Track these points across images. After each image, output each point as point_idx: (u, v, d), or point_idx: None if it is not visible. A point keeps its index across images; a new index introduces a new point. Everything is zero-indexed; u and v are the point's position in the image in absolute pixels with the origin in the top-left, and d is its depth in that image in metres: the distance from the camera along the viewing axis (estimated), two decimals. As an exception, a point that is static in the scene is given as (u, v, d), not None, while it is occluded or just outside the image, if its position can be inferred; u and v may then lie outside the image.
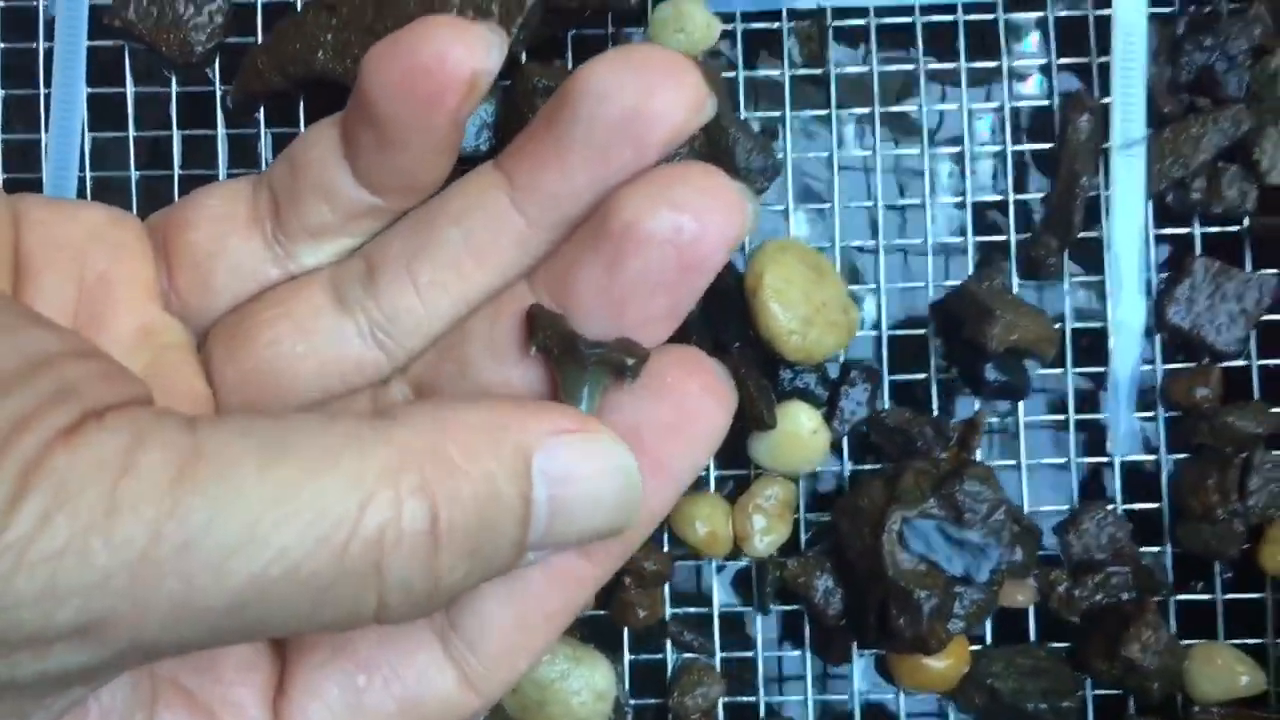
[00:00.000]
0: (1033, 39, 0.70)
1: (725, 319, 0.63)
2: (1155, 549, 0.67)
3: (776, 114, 0.69)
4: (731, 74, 0.68)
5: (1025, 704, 0.64)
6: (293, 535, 0.25)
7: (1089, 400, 0.68)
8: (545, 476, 0.28)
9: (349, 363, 0.34)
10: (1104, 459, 0.67)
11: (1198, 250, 0.67)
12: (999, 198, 0.68)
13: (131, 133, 0.68)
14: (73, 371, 0.25)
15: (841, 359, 0.67)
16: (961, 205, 0.69)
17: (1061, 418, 0.68)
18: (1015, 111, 0.69)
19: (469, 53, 0.30)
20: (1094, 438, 0.67)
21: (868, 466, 0.67)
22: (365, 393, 0.34)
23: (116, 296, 0.34)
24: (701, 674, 0.66)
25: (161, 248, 0.35)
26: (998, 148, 0.69)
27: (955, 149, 0.69)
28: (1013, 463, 0.67)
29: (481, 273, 0.33)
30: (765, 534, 0.65)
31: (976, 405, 0.67)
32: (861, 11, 0.69)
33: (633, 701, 0.67)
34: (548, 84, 0.62)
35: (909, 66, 0.69)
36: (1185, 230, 0.68)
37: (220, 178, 0.68)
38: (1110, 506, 0.66)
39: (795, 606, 0.67)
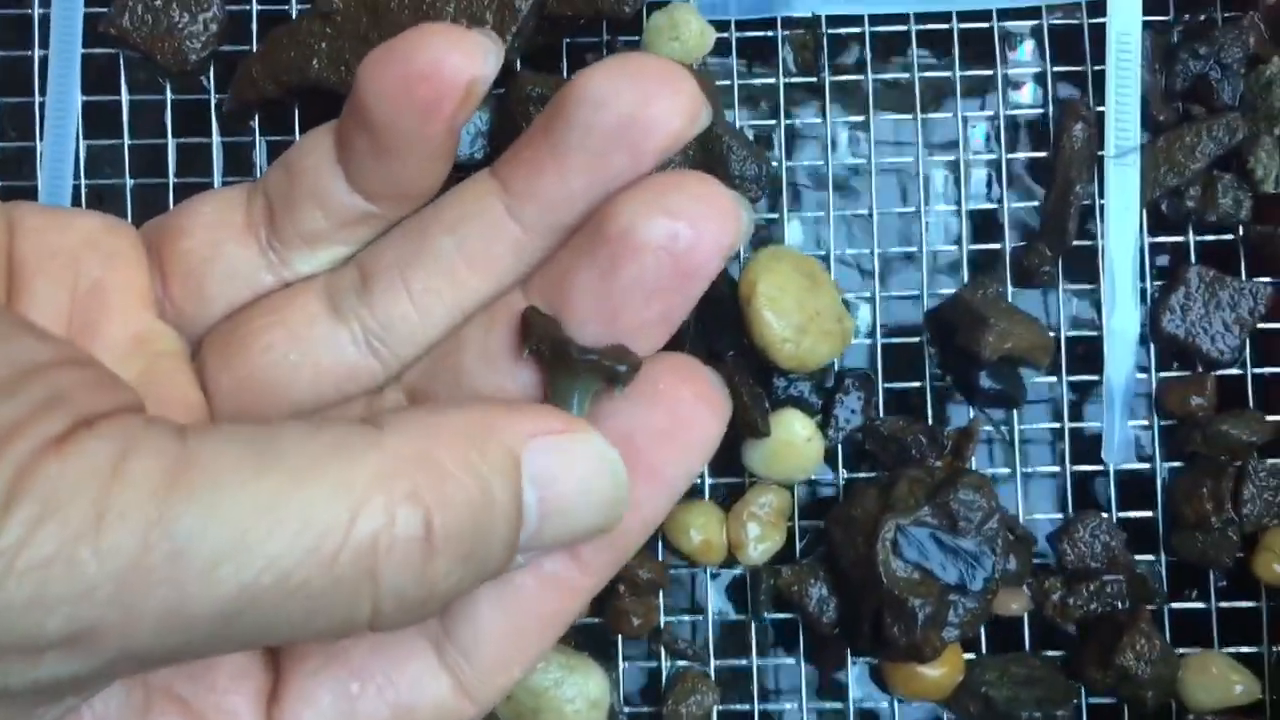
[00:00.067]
0: (1028, 47, 0.70)
1: (719, 327, 0.63)
2: (1150, 557, 0.67)
3: (771, 122, 0.69)
4: (726, 82, 0.68)
5: (1019, 712, 0.64)
6: (282, 544, 0.25)
7: (1083, 409, 0.68)
8: (534, 478, 0.29)
9: (343, 370, 0.34)
10: (1098, 467, 0.67)
11: (1192, 258, 0.67)
12: (994, 206, 0.68)
13: (126, 140, 0.68)
14: (64, 379, 0.25)
15: (836, 367, 0.67)
16: (956, 213, 0.69)
17: (1056, 426, 0.68)
18: (1010, 120, 0.69)
19: (465, 60, 0.30)
20: (1088, 446, 0.67)
21: (862, 475, 0.67)
22: (360, 400, 0.34)
23: (110, 304, 0.34)
24: (696, 682, 0.66)
25: (156, 255, 0.35)
26: (992, 156, 0.69)
27: (950, 157, 0.69)
28: (1007, 471, 0.67)
29: (476, 280, 0.33)
30: (760, 542, 0.65)
31: (971, 413, 0.67)
32: (856, 20, 0.69)
33: (627, 709, 0.67)
34: (542, 92, 0.62)
35: (904, 74, 0.69)
36: (1180, 238, 0.68)
37: (215, 185, 0.67)
38: (1104, 515, 0.66)
39: (790, 615, 0.67)
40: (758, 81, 0.69)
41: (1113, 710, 0.66)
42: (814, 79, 0.69)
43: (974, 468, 0.65)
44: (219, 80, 0.68)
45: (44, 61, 0.67)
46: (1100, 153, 0.66)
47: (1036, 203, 0.68)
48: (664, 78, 0.31)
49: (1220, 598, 0.66)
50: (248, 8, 0.68)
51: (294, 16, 0.67)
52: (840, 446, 0.66)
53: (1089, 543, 0.65)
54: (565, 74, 0.67)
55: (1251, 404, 0.66)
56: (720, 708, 0.67)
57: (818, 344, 0.61)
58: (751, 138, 0.67)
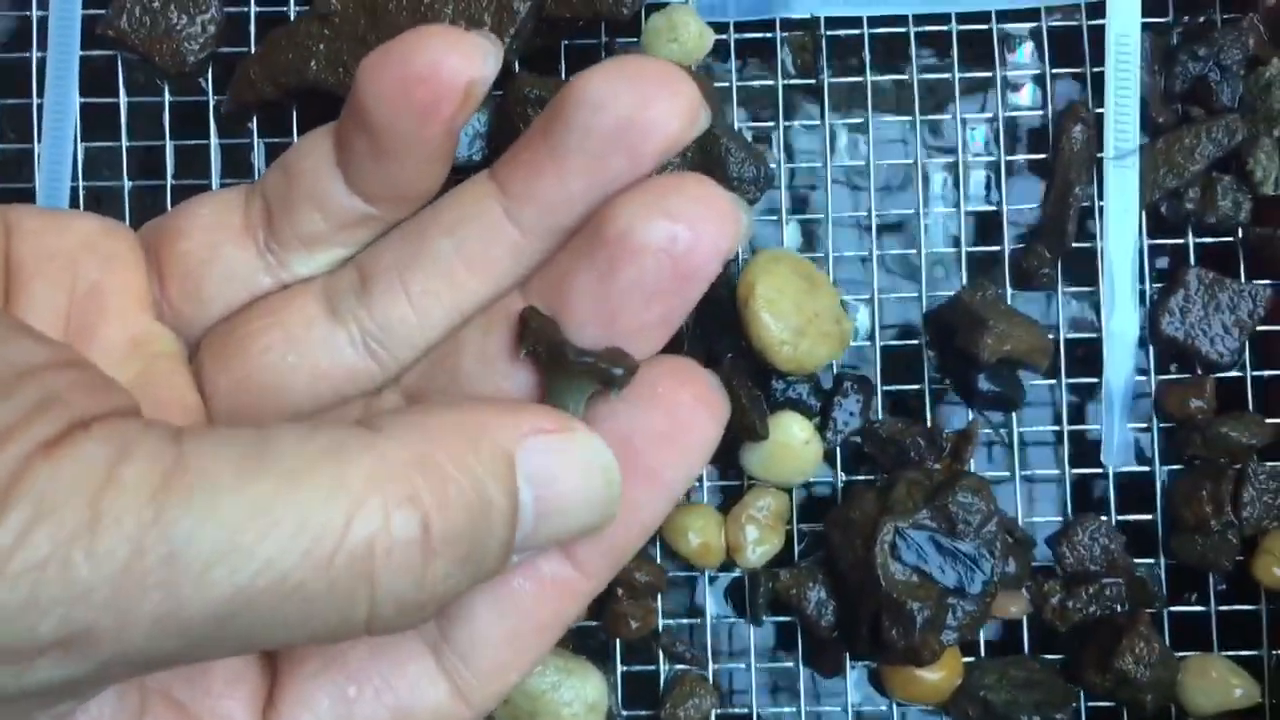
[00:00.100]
0: (1027, 49, 0.70)
1: (718, 329, 0.63)
2: (1149, 560, 0.67)
3: (770, 124, 0.69)
4: (725, 84, 0.68)
5: (1018, 716, 0.64)
6: (278, 546, 0.25)
7: (1083, 411, 0.68)
8: (530, 477, 0.29)
9: (341, 373, 0.34)
10: (1098, 470, 0.67)
11: (1192, 261, 0.67)
12: (993, 208, 0.68)
13: (124, 142, 0.68)
14: (58, 382, 0.25)
15: (834, 369, 0.66)
16: (955, 215, 0.69)
17: (1055, 429, 0.67)
18: (1009, 121, 0.69)
19: (464, 61, 0.30)
20: (1088, 449, 0.67)
21: (861, 477, 0.67)
22: (357, 403, 0.34)
23: (108, 306, 0.34)
24: (694, 685, 0.66)
25: (154, 257, 0.35)
26: (991, 157, 0.69)
27: (949, 159, 0.69)
28: (1006, 474, 0.67)
29: (475, 282, 0.33)
30: (758, 545, 0.65)
31: (970, 416, 0.67)
32: (855, 21, 0.69)
33: (624, 713, 0.67)
34: (541, 94, 0.62)
35: (903, 76, 0.69)
36: (1179, 241, 0.68)
37: (213, 187, 0.67)
38: (1104, 518, 0.66)
39: (788, 618, 0.66)
40: (756, 83, 0.69)
41: (1112, 714, 0.66)
42: (813, 81, 0.69)
43: (973, 470, 0.65)
44: (217, 82, 0.68)
45: (42, 63, 0.67)
46: (1099, 154, 0.66)
47: (1036, 204, 0.68)
48: (662, 80, 0.31)
49: (1220, 601, 0.66)
50: (246, 9, 0.68)
51: (292, 18, 0.67)
52: (839, 449, 0.66)
53: (1088, 545, 0.65)
54: (564, 76, 0.67)
55: (1251, 406, 0.66)
56: (718, 711, 0.67)
57: (816, 346, 0.61)
58: (750, 139, 0.67)
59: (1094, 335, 0.67)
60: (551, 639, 0.33)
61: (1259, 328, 0.66)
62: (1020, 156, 0.69)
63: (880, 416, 0.66)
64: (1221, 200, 0.66)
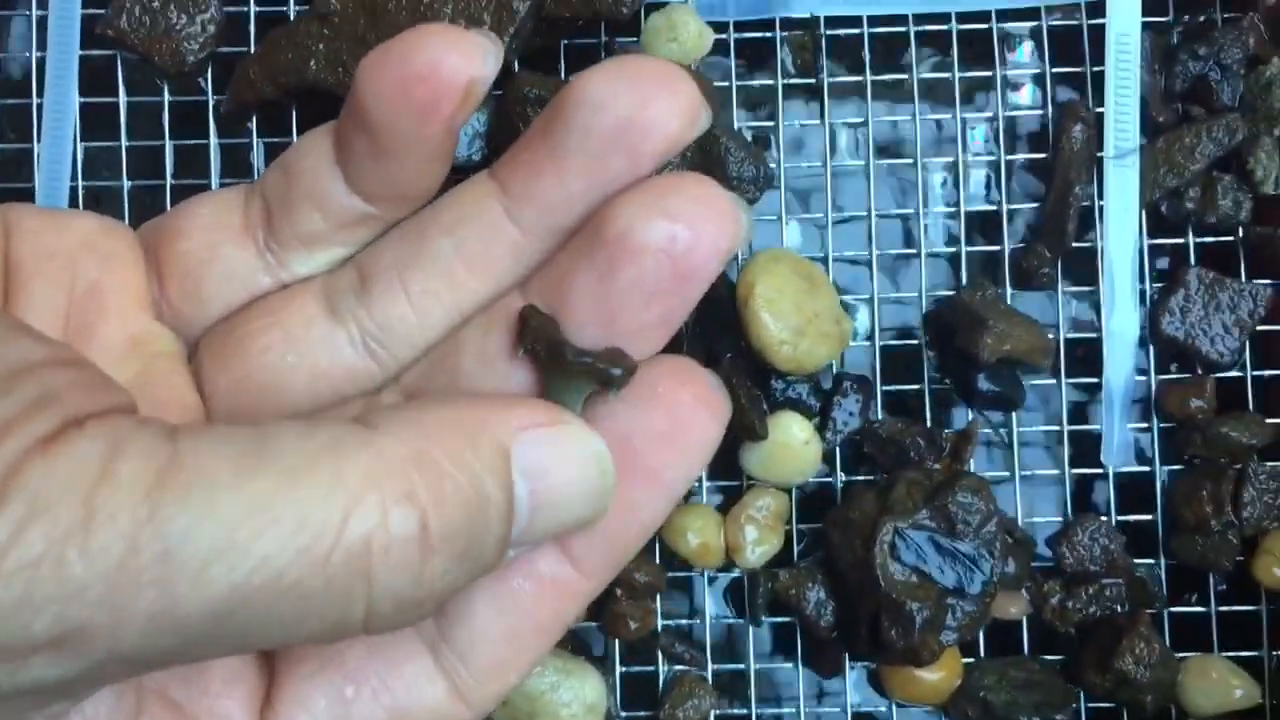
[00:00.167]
0: (1027, 48, 0.70)
1: (717, 329, 0.63)
2: (1149, 561, 0.66)
3: (769, 123, 0.69)
4: (724, 83, 0.68)
5: (1018, 717, 0.64)
6: (274, 543, 0.25)
7: (1083, 411, 0.68)
8: (525, 471, 0.29)
9: (341, 372, 0.34)
10: (1098, 470, 0.67)
11: (1192, 260, 0.67)
12: (993, 208, 0.68)
13: (124, 142, 0.68)
14: (55, 380, 0.25)
15: (834, 369, 0.66)
16: (955, 215, 0.68)
17: (1055, 429, 0.67)
18: (1009, 121, 0.69)
19: (464, 60, 0.30)
20: (1088, 449, 0.67)
21: (860, 477, 0.67)
22: (357, 403, 0.34)
23: (107, 306, 0.34)
24: (693, 686, 0.66)
25: (153, 257, 0.35)
26: (991, 157, 0.69)
27: (949, 159, 0.69)
28: (1006, 474, 0.67)
29: (474, 282, 0.33)
30: (757, 545, 0.65)
31: (970, 416, 0.67)
32: (855, 21, 0.68)
33: (623, 714, 0.67)
34: (540, 94, 0.62)
35: (903, 76, 0.69)
36: (1179, 240, 0.68)
37: (212, 187, 0.67)
38: (1104, 518, 0.66)
39: (787, 618, 0.66)
40: (756, 83, 0.69)
41: (1112, 714, 0.66)
42: (812, 80, 0.69)
43: (972, 470, 0.65)
44: (217, 82, 0.68)
45: (41, 63, 0.67)
46: (1099, 154, 0.66)
47: (1035, 204, 0.68)
48: (662, 80, 0.31)
49: (1220, 601, 0.66)
50: (245, 9, 0.68)
51: (292, 18, 0.67)
52: (838, 449, 0.66)
53: (1088, 546, 0.65)
54: (563, 75, 0.67)
55: (1251, 406, 0.66)
56: (718, 712, 0.66)
57: (816, 346, 0.61)
58: (750, 139, 0.67)
59: (1094, 335, 0.67)
60: (551, 640, 0.33)
61: (1259, 327, 0.66)
62: (1020, 156, 0.69)
63: (880, 416, 0.66)
64: (1222, 200, 0.66)
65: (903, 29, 0.68)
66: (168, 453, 0.25)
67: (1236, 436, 0.64)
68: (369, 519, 0.26)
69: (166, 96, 0.68)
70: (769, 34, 0.69)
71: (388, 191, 0.33)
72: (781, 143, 0.68)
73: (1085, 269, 0.67)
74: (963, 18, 0.68)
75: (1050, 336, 0.65)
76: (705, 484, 0.67)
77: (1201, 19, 0.68)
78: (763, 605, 0.66)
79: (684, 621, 0.68)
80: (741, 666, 0.67)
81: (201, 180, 0.68)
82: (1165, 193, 0.66)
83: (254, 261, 0.35)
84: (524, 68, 0.65)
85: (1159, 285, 0.67)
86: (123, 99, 0.68)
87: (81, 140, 0.68)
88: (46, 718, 0.27)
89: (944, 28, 0.68)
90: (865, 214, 0.68)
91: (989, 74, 0.69)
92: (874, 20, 0.68)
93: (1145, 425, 0.67)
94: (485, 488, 0.28)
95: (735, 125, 0.67)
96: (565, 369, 0.31)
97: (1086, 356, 0.67)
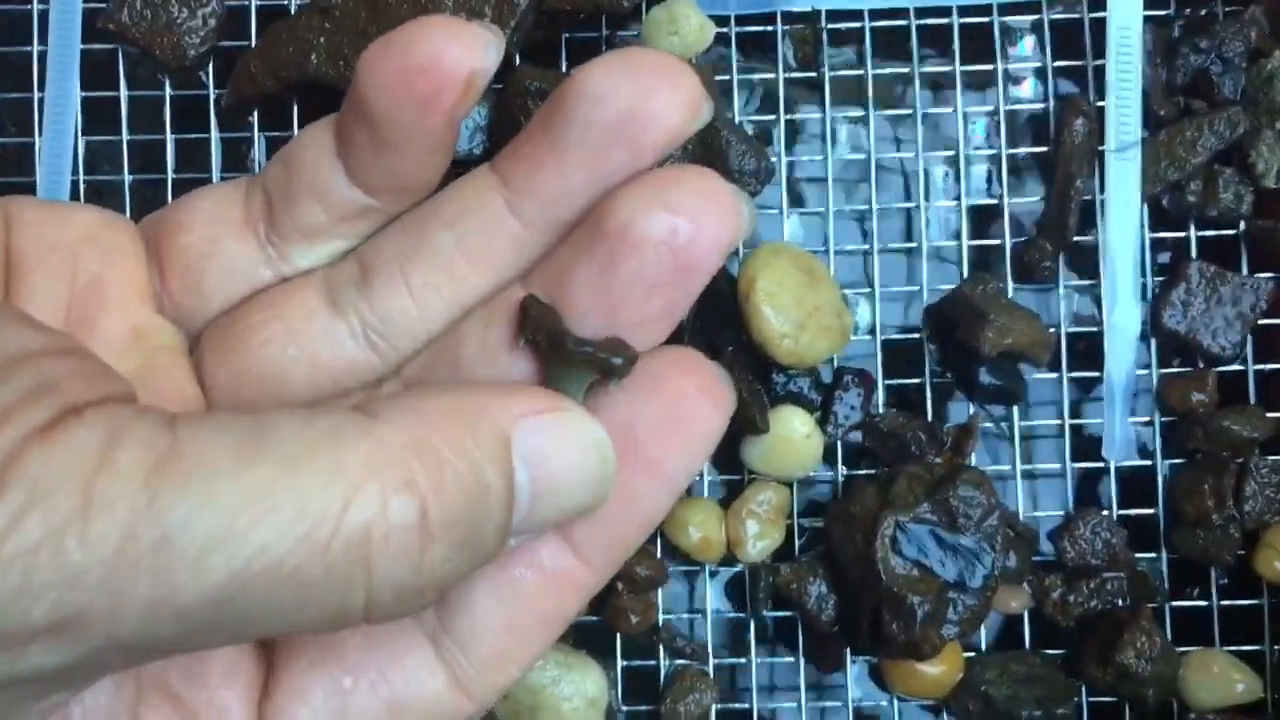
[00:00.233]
0: (1028, 42, 0.70)
1: (718, 322, 0.63)
2: (1150, 555, 0.66)
3: (770, 117, 0.69)
4: (725, 76, 0.68)
5: (1019, 711, 0.64)
6: (274, 531, 0.25)
7: (1084, 405, 0.68)
8: (525, 458, 0.29)
9: (342, 365, 0.34)
10: (1099, 464, 0.67)
11: (1193, 254, 0.67)
12: (994, 201, 0.68)
13: (125, 136, 0.68)
14: (53, 368, 0.25)
15: (835, 363, 0.66)
16: (956, 209, 0.68)
17: (1056, 422, 0.67)
18: (1010, 115, 0.69)
19: (465, 52, 0.30)
20: (1089, 443, 0.67)
21: (862, 471, 0.67)
22: (358, 395, 0.34)
23: (108, 299, 0.34)
24: (694, 680, 0.66)
25: (154, 250, 0.35)
26: (993, 151, 0.69)
27: (950, 152, 0.69)
28: (1007, 468, 0.67)
29: (475, 275, 0.33)
30: (758, 539, 0.65)
31: (971, 410, 0.67)
32: (856, 14, 0.68)
33: (625, 708, 0.67)
34: (541, 87, 0.62)
35: (904, 69, 0.69)
36: (1181, 234, 0.68)
37: (213, 181, 0.67)
38: (1105, 512, 0.66)
39: (788, 613, 0.66)
40: (757, 76, 0.69)
41: (1113, 709, 0.66)
42: (813, 74, 0.69)
43: (974, 464, 0.65)
44: (218, 76, 0.68)
45: (42, 57, 0.67)
46: (1101, 148, 0.66)
47: (1037, 198, 0.68)
48: (663, 72, 0.31)
49: (1222, 595, 0.66)
50: (246, 3, 0.68)
51: (293, 11, 0.67)
52: (839, 443, 0.66)
53: (1089, 540, 0.65)
54: (564, 69, 0.67)
55: (1253, 400, 0.66)
56: (719, 706, 0.67)
57: (817, 340, 0.61)
58: (751, 133, 0.67)
59: (1095, 329, 0.67)
60: (554, 632, 0.33)
61: (1261, 321, 0.66)
62: (1021, 150, 0.69)
63: (881, 410, 0.66)
64: (1223, 193, 0.66)
65: (904, 22, 0.68)
66: (167, 441, 0.25)
67: (1238, 430, 0.64)
68: (369, 507, 0.26)
69: (168, 90, 0.68)
70: (770, 27, 0.69)
71: (389, 184, 0.33)
72: (782, 136, 0.68)
73: (1086, 263, 0.67)
74: (964, 11, 0.68)
75: (1051, 330, 0.65)
76: (706, 478, 0.67)
77: (1203, 12, 0.68)
78: (764, 599, 0.66)
79: (685, 616, 0.68)
80: (743, 661, 0.67)
81: (202, 174, 0.68)
82: (1167, 186, 0.66)
83: (255, 254, 0.35)
84: (525, 61, 0.65)
85: (1160, 279, 0.67)
86: (124, 93, 0.68)
87: (83, 134, 0.68)
88: (46, 707, 0.27)
89: (945, 21, 0.68)
90: (866, 207, 0.68)
91: (990, 68, 0.69)
92: (875, 14, 0.68)
93: (1147, 419, 0.67)
94: (485, 475, 0.28)
95: (736, 118, 0.67)
96: (566, 358, 0.31)
97: (1088, 350, 0.67)
